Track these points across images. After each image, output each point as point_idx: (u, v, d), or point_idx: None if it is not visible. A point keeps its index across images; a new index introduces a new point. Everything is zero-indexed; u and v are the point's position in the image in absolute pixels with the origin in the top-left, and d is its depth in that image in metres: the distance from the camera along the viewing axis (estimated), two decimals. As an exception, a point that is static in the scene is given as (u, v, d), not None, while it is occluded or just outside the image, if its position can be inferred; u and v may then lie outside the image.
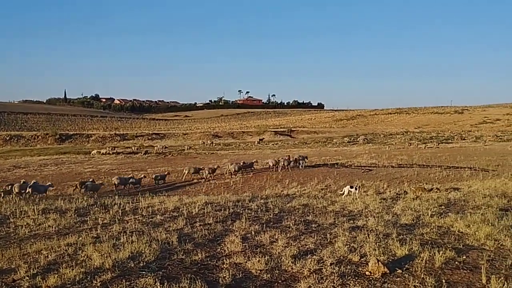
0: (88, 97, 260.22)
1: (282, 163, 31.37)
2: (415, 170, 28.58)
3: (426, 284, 6.76)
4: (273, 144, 67.34)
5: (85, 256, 8.47)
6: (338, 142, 69.56)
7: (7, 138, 79.90)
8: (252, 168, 31.58)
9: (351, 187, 18.03)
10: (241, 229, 10.66)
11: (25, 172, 36.09)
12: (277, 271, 7.55)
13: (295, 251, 8.54)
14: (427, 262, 7.76)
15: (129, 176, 26.49)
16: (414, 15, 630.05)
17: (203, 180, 27.82)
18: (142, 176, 26.86)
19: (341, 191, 18.54)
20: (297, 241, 9.46)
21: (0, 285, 7.02)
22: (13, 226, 11.82)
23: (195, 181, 27.78)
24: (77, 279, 7.18)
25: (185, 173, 29.44)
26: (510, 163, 31.86)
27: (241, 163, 31.48)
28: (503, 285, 6.57)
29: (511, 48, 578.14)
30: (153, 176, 27.13)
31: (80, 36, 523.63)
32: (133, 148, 60.81)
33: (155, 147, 59.49)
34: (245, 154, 50.34)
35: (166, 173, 28.09)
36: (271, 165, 31.38)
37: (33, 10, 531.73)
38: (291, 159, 32.29)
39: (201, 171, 29.39)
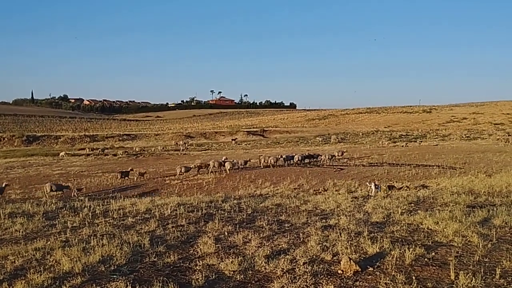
0: (56, 97, 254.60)
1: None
2: (386, 169, 29.08)
3: (396, 281, 6.87)
4: (246, 144, 67.24)
5: (54, 261, 8.27)
6: (311, 141, 70.08)
7: (-29, 140, 77.21)
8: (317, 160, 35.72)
9: (375, 185, 18.01)
10: (214, 230, 10.62)
11: (-10, 175, 34.92)
12: (250, 272, 7.55)
13: (268, 251, 8.56)
14: (398, 259, 7.90)
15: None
16: (383, 16, 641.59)
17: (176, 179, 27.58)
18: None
19: (369, 188, 18.35)
20: (270, 241, 9.49)
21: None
22: (-23, 231, 11.43)
23: (167, 181, 27.49)
24: (45, 284, 7.01)
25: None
26: (476, 160, 32.83)
27: (307, 153, 36.34)
28: (471, 281, 6.74)
29: (477, 49, 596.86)
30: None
31: (47, 36, 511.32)
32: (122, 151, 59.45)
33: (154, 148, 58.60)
34: (218, 154, 50.11)
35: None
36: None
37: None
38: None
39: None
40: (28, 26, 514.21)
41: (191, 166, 30.92)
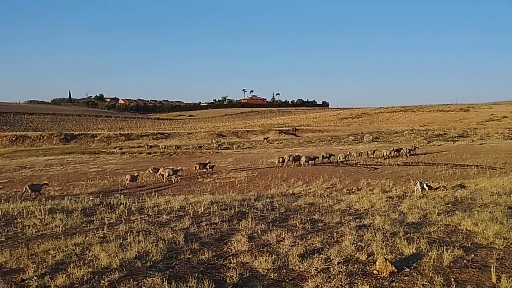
0: (93, 97, 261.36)
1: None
2: (421, 168, 28.44)
3: (434, 283, 6.71)
4: (278, 143, 67.24)
5: (92, 256, 8.48)
6: (344, 140, 69.39)
7: (13, 139, 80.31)
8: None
9: (421, 184, 17.66)
10: (247, 228, 10.65)
11: (31, 172, 36.27)
12: (284, 270, 7.53)
13: (302, 250, 8.52)
14: (435, 260, 7.72)
15: None
16: (420, 14, 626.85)
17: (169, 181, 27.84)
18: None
19: (415, 187, 18.00)
20: (304, 240, 9.44)
21: (9, 284, 7.03)
22: (20, 226, 11.87)
23: (200, 179, 27.77)
24: (85, 278, 7.19)
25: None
26: (517, 160, 31.64)
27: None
28: (513, 284, 6.52)
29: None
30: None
31: (84, 36, 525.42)
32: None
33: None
34: (250, 153, 50.33)
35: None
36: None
37: (40, 11, 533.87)
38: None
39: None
40: (67, 27, 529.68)
41: (285, 157, 33.67)
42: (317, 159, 34.71)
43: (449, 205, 13.57)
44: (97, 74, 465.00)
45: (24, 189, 22.03)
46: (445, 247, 8.19)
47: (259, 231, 10.31)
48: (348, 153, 38.24)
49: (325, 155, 35.55)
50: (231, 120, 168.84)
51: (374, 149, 40.66)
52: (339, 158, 36.33)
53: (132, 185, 26.24)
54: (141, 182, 27.20)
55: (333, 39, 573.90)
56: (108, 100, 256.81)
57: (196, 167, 31.72)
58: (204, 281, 6.84)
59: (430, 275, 7.04)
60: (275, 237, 9.59)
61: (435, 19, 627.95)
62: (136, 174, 27.69)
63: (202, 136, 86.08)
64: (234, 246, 8.98)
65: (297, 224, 11.03)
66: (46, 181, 24.91)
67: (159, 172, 28.36)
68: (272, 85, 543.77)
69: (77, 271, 7.41)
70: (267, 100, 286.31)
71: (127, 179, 26.50)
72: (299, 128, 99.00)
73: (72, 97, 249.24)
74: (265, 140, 71.82)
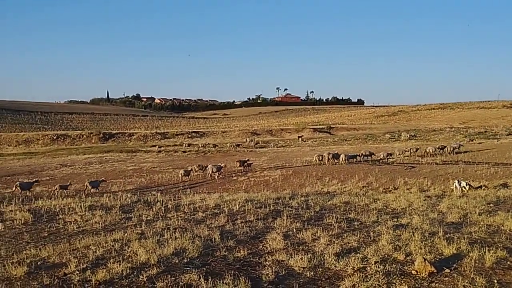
0: (130, 96, 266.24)
1: None
2: (461, 167, 27.59)
3: (476, 284, 6.51)
4: (312, 141, 66.83)
5: (131, 252, 8.68)
6: (379, 138, 68.16)
7: (54, 138, 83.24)
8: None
9: (459, 183, 17.32)
10: (282, 227, 10.65)
11: (71, 170, 37.47)
12: (320, 269, 7.48)
13: (338, 249, 8.44)
14: (477, 261, 7.48)
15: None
16: (457, 9, 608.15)
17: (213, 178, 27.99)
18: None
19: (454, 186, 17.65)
20: (340, 239, 9.36)
21: (52, 278, 7.29)
22: (62, 222, 12.29)
23: (234, 177, 27.95)
24: (124, 274, 7.37)
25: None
26: None
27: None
28: (561, 287, 6.24)
29: None
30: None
31: (122, 37, 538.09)
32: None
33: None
34: (284, 151, 50.23)
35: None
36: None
37: (78, 7, 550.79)
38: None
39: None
40: (104, 28, 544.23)
41: (324, 155, 33.74)
42: (357, 157, 34.27)
43: (491, 204, 13.16)
44: (134, 74, 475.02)
45: (85, 186, 23.62)
46: (487, 248, 7.94)
47: (294, 230, 10.30)
48: (389, 151, 37.27)
49: (365, 153, 34.99)
50: (265, 118, 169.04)
51: (418, 147, 39.71)
52: (380, 156, 35.56)
53: (187, 179, 27.89)
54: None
55: (368, 35, 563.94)
56: (145, 99, 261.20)
57: (236, 164, 32.40)
58: (240, 278, 6.88)
59: (472, 276, 6.84)
60: (310, 236, 9.55)
61: (472, 14, 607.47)
62: (189, 169, 29.43)
63: (236, 134, 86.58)
64: (270, 244, 9.00)
65: (333, 222, 10.95)
66: (103, 178, 26.28)
67: (207, 169, 29.85)
68: (306, 83, 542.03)
69: (117, 266, 7.60)
70: (301, 98, 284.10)
71: (181, 174, 28.14)
72: (333, 126, 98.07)
73: (110, 96, 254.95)
74: (300, 139, 71.43)
